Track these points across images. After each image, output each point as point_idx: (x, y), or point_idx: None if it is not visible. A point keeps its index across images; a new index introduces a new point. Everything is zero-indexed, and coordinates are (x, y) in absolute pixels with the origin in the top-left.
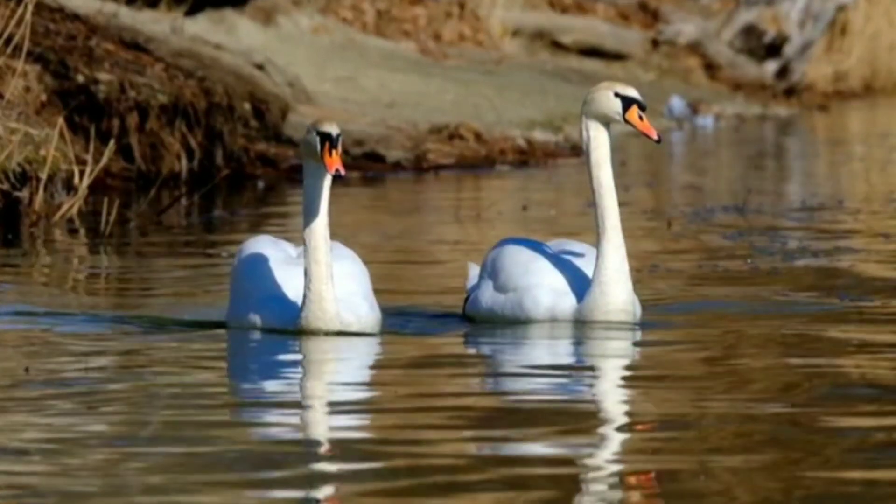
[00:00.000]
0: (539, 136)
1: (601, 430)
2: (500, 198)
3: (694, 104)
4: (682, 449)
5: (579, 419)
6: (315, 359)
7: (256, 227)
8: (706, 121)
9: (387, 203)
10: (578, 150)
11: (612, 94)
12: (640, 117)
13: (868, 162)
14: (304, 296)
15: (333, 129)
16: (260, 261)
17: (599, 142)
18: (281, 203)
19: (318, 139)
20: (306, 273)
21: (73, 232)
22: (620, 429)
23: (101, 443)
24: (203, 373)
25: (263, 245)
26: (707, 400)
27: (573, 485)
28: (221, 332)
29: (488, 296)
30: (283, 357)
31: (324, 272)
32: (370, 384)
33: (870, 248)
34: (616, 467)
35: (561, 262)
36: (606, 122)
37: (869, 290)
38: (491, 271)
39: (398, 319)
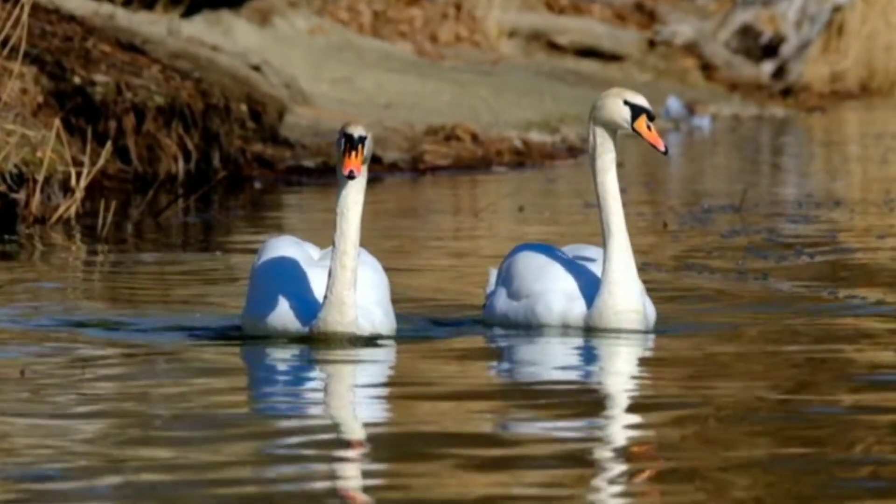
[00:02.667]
0: (535, 136)
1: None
2: (496, 199)
3: (690, 105)
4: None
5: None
6: (326, 366)
7: (253, 229)
8: (703, 121)
9: (383, 204)
10: (575, 151)
11: (621, 102)
12: (649, 127)
13: (864, 162)
14: (325, 297)
15: (356, 132)
16: (280, 262)
17: (606, 148)
18: (278, 204)
19: (342, 141)
20: (330, 275)
21: (69, 233)
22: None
23: (92, 446)
24: (200, 378)
25: (285, 246)
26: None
27: None
28: (220, 338)
29: (503, 301)
30: (291, 364)
31: (349, 277)
32: (379, 400)
33: (866, 248)
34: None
35: (574, 267)
36: (614, 129)
37: (865, 289)
38: (506, 277)
39: (413, 324)
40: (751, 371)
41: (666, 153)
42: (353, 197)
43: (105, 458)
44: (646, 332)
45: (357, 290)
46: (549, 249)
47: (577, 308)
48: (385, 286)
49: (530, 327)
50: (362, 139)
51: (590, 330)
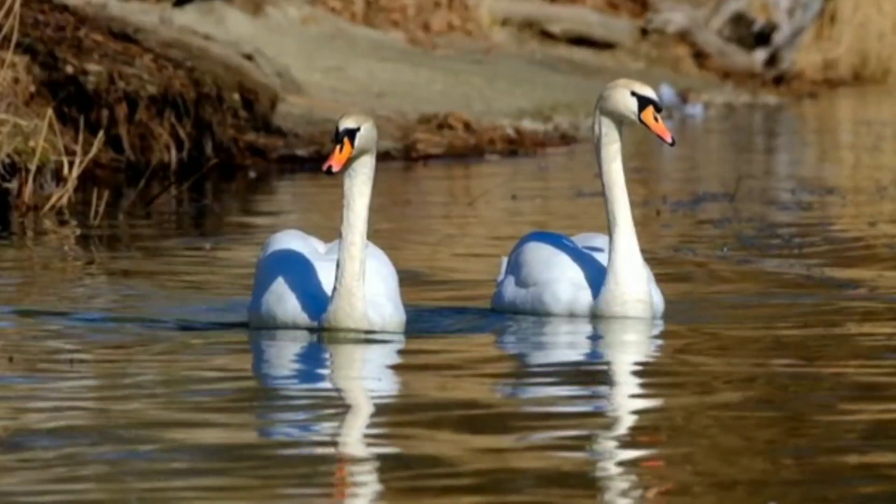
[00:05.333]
0: (528, 125)
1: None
2: (489, 187)
3: (683, 93)
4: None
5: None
6: (336, 358)
7: (246, 218)
8: (695, 109)
9: (376, 193)
10: (567, 139)
11: (628, 93)
12: (656, 118)
13: (857, 150)
14: (334, 289)
15: (343, 124)
16: (286, 255)
17: (611, 138)
18: (270, 193)
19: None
20: (338, 267)
21: (62, 223)
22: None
23: (86, 436)
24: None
25: (291, 239)
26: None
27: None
28: (219, 328)
29: (511, 290)
30: (297, 355)
31: (357, 269)
32: (391, 386)
33: (857, 235)
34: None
35: (582, 256)
36: (620, 120)
37: (857, 277)
38: (514, 265)
39: (419, 315)
40: (748, 362)
41: (673, 145)
42: (360, 188)
43: (99, 453)
44: (652, 320)
45: (366, 282)
46: (558, 238)
47: (583, 298)
48: (393, 278)
49: (537, 315)
50: (347, 132)
51: (596, 319)
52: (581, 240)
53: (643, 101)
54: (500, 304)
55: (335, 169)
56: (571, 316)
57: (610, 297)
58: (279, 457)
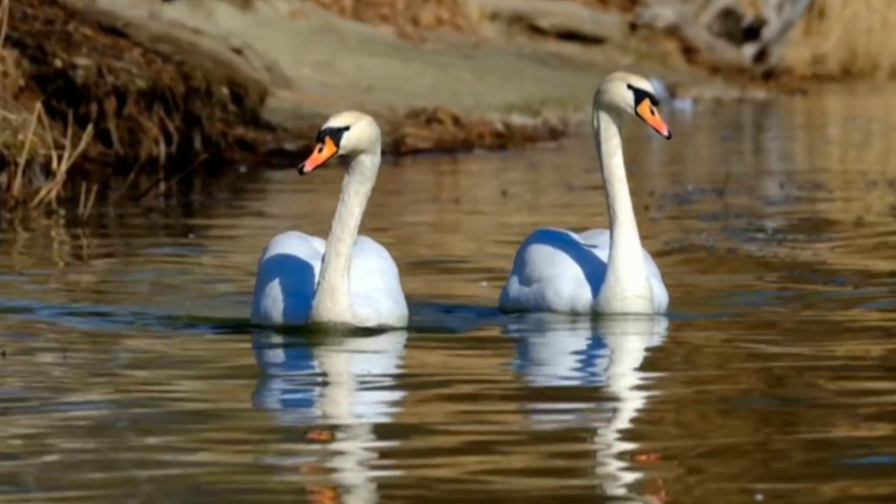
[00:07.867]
0: (517, 119)
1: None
2: (478, 182)
3: (672, 88)
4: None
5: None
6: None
7: (235, 212)
8: (684, 104)
9: None
10: (556, 134)
11: (625, 86)
12: (652, 111)
13: (845, 145)
14: (318, 284)
15: (326, 124)
16: (283, 257)
17: (610, 132)
18: (259, 188)
19: None
20: (323, 261)
21: (51, 216)
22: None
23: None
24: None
25: (291, 242)
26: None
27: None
28: (208, 325)
29: (515, 287)
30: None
31: (341, 264)
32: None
33: (846, 231)
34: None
35: (586, 253)
36: (618, 113)
37: (845, 273)
38: (520, 263)
39: (427, 311)
40: (738, 360)
41: (669, 138)
42: (356, 186)
43: (91, 450)
44: (653, 316)
45: (361, 278)
46: (564, 236)
47: (585, 294)
48: (393, 273)
49: (540, 312)
50: (330, 132)
51: (598, 316)
52: (587, 237)
53: (640, 94)
54: (505, 302)
55: (306, 169)
56: (573, 313)
57: (610, 294)
58: (265, 469)
